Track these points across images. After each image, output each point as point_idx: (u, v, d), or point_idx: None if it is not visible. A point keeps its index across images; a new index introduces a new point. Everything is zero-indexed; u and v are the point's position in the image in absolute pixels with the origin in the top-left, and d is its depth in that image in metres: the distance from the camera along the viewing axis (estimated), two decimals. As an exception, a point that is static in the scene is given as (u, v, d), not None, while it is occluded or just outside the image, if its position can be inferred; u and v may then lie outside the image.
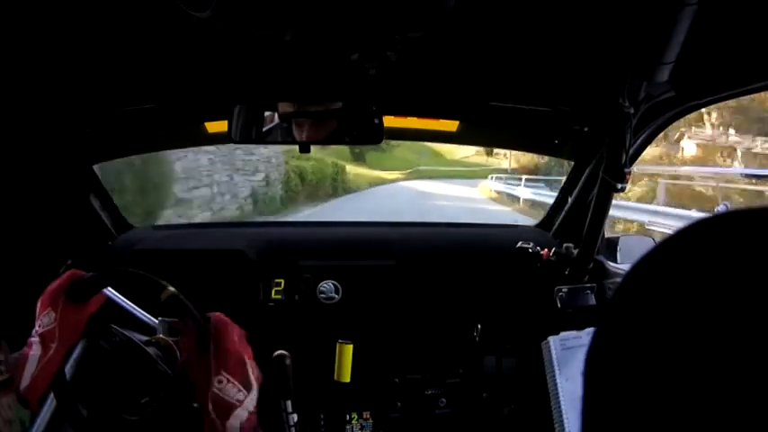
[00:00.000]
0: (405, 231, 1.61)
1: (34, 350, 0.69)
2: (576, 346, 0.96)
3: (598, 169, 1.10)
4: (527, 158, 19.08)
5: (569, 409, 0.91)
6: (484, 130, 1.40)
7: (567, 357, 0.95)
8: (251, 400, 0.69)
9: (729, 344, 0.21)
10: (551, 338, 0.97)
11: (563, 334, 0.97)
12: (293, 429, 1.11)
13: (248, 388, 0.70)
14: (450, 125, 1.32)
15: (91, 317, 0.74)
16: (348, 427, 1.27)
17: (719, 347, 0.21)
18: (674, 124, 1.21)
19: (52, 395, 0.73)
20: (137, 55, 0.88)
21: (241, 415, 0.68)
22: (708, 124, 12.35)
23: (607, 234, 1.29)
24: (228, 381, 0.69)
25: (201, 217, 8.05)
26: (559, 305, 1.22)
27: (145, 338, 0.82)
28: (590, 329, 0.96)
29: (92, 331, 0.73)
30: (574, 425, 0.89)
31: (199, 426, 0.68)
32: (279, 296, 1.31)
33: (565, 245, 1.25)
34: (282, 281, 1.32)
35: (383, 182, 20.89)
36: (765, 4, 0.66)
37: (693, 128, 12.26)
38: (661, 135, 1.23)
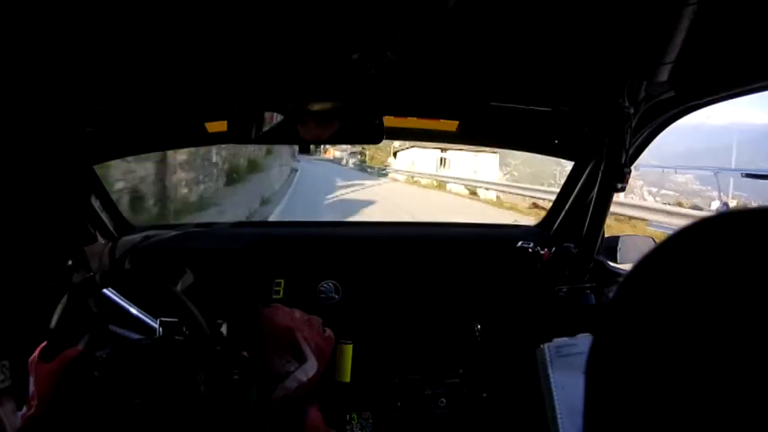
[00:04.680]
0: (405, 231, 1.61)
1: (23, 410, 0.77)
2: (570, 354, 0.95)
3: (598, 169, 1.10)
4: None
5: (565, 416, 0.90)
6: (484, 130, 1.40)
7: (561, 364, 0.94)
8: (302, 371, 0.72)
9: (730, 343, 0.21)
10: (545, 345, 0.95)
11: (557, 341, 0.96)
12: None
13: (300, 360, 0.73)
14: (450, 125, 1.32)
15: (68, 362, 0.78)
16: (348, 427, 1.27)
17: (720, 347, 0.21)
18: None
19: None
20: (137, 55, 0.88)
21: (289, 386, 0.70)
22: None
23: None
24: (276, 354, 0.73)
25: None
26: (559, 305, 1.22)
27: (144, 339, 0.83)
28: (583, 335, 0.96)
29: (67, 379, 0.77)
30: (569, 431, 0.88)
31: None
32: (279, 296, 1.31)
33: (565, 245, 1.25)
34: (282, 281, 1.32)
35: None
36: (765, 4, 0.66)
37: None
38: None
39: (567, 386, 0.92)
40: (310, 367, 0.72)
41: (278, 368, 0.71)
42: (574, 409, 0.89)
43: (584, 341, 0.95)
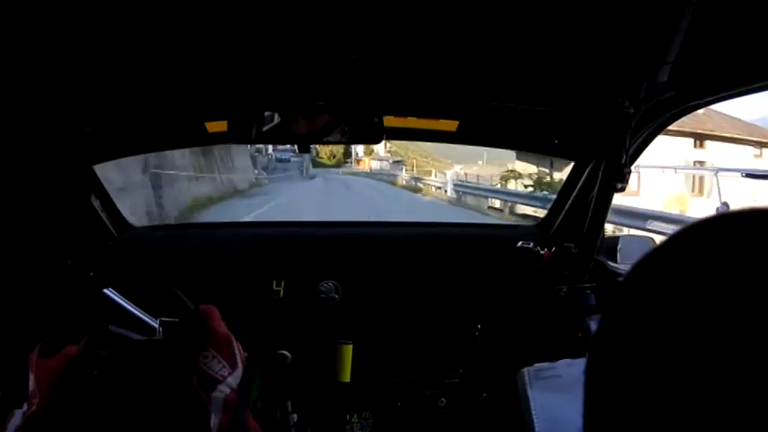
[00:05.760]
0: (405, 231, 1.61)
1: (23, 408, 0.74)
2: (550, 377, 0.97)
3: (598, 169, 1.10)
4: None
5: None
6: (484, 130, 1.40)
7: (541, 386, 0.97)
8: (234, 378, 0.73)
9: (730, 343, 0.21)
10: (526, 369, 0.98)
11: (537, 365, 0.99)
12: (293, 429, 1.11)
13: (233, 366, 0.73)
14: (450, 125, 1.32)
15: (70, 360, 0.77)
16: (348, 427, 1.27)
17: (720, 347, 0.21)
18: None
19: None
20: (137, 55, 0.88)
21: (224, 390, 0.70)
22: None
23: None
24: (214, 357, 0.73)
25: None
26: (559, 305, 1.22)
27: (145, 339, 0.83)
28: (565, 360, 0.98)
29: (72, 369, 0.76)
30: None
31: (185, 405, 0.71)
32: (279, 296, 1.31)
33: (565, 245, 1.25)
34: (282, 281, 1.32)
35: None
36: (765, 4, 0.66)
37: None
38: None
39: (546, 406, 0.94)
40: (237, 377, 0.74)
41: (215, 370, 0.72)
42: (553, 427, 0.91)
43: (563, 365, 0.98)
